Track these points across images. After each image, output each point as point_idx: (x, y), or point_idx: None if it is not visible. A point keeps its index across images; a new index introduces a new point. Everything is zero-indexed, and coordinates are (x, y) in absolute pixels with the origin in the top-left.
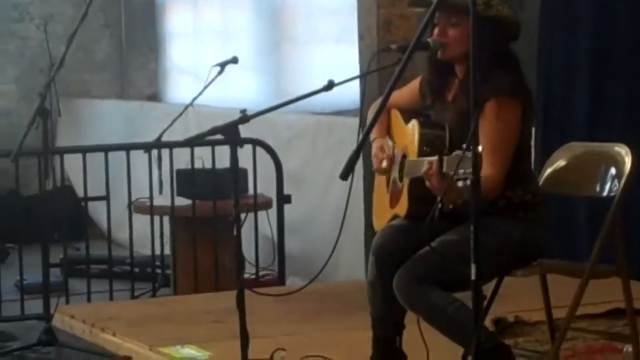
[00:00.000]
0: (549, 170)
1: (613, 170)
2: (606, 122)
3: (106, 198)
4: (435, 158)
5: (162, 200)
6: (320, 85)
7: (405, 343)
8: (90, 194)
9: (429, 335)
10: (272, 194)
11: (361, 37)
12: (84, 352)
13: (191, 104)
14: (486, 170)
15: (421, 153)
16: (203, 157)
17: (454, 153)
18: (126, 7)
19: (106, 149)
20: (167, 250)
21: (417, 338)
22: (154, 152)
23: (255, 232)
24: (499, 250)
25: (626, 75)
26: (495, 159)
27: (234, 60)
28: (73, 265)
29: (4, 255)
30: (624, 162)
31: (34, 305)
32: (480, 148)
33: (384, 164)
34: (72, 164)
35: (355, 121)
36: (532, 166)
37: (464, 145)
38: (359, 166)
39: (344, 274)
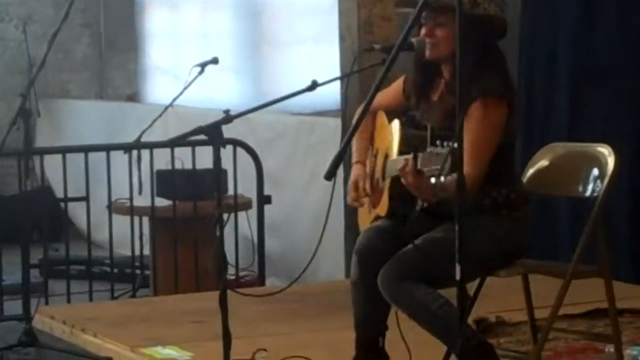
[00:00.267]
0: (531, 171)
1: (596, 171)
2: (587, 122)
3: (86, 199)
4: (410, 156)
5: (142, 201)
6: (300, 86)
7: (387, 343)
8: (69, 194)
9: (410, 335)
10: (252, 195)
11: (342, 38)
12: (65, 353)
13: (171, 104)
14: (465, 169)
15: (401, 152)
16: (182, 158)
17: (428, 150)
18: (105, 6)
19: (86, 149)
20: (147, 251)
21: (399, 338)
22: (134, 152)
23: (235, 232)
24: (484, 248)
25: (607, 75)
26: (476, 159)
27: (215, 61)
28: (52, 266)
29: None
30: (606, 163)
31: (14, 306)
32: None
33: (354, 202)
34: (51, 164)
35: (335, 121)
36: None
37: (438, 142)
38: (340, 167)
39: (324, 274)
